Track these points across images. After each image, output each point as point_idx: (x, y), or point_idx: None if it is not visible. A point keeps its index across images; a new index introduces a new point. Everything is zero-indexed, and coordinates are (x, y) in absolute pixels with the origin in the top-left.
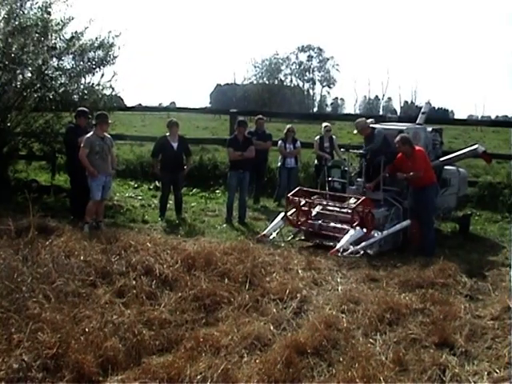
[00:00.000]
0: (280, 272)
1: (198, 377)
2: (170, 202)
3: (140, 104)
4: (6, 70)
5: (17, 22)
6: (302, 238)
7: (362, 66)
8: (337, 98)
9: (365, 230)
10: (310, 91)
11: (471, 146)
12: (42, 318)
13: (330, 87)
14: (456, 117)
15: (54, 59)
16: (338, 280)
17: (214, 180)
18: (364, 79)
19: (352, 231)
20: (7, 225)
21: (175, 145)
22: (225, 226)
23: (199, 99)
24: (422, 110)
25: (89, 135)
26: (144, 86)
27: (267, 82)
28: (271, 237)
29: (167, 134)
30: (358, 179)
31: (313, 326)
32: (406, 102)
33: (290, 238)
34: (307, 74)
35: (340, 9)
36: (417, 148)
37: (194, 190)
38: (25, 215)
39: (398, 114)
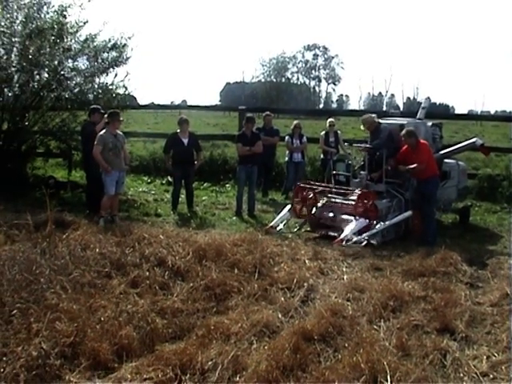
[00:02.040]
0: (288, 262)
1: (209, 363)
2: (182, 196)
3: (152, 102)
4: (24, 71)
5: (34, 25)
6: (308, 229)
7: (366, 64)
8: (342, 94)
9: (368, 220)
10: (316, 88)
11: (470, 139)
12: (59, 308)
13: (335, 84)
14: (456, 112)
15: (70, 60)
16: (344, 269)
17: (224, 174)
18: (368, 76)
19: (355, 221)
20: (26, 219)
21: (186, 141)
22: (234, 218)
23: (209, 97)
24: (422, 105)
25: (102, 133)
26: (156, 85)
27: (275, 80)
28: (278, 228)
29: (178, 130)
30: (362, 172)
31: (319, 314)
32: (409, 98)
33: (296, 229)
34: (313, 71)
35: (344, 8)
36: (421, 141)
37: (205, 184)
38: (43, 210)
39: (401, 109)
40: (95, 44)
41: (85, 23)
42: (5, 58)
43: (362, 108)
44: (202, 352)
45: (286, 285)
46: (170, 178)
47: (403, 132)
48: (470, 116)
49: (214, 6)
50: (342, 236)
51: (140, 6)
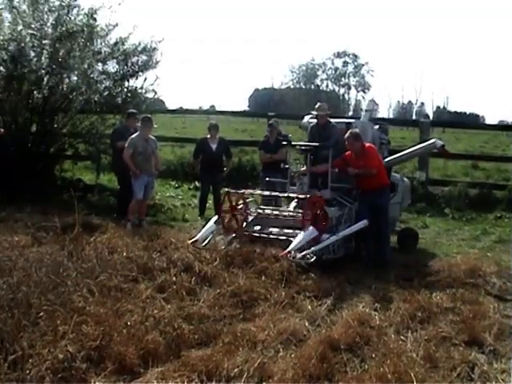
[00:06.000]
0: (315, 271)
1: (235, 370)
2: (210, 201)
3: (181, 107)
4: (54, 73)
5: (64, 28)
6: (238, 246)
7: (396, 72)
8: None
9: (317, 230)
10: (346, 96)
11: (428, 140)
12: (86, 311)
13: (364, 92)
14: (487, 122)
15: (99, 63)
16: (371, 279)
17: (252, 181)
18: (398, 84)
19: (303, 232)
20: (53, 222)
21: (214, 146)
22: None
23: (238, 103)
24: (365, 108)
25: (133, 136)
26: (185, 89)
27: (304, 87)
28: (204, 243)
29: (208, 136)
30: (302, 176)
31: (346, 323)
32: (439, 107)
33: (223, 247)
34: (343, 79)
35: (374, 16)
36: (367, 144)
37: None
38: (70, 213)
39: (431, 118)
40: (125, 47)
41: (115, 26)
42: (35, 60)
43: (392, 116)
44: (228, 359)
45: (313, 293)
46: (197, 183)
47: (347, 135)
48: (499, 126)
49: (244, 12)
50: (290, 248)
51: (170, 11)
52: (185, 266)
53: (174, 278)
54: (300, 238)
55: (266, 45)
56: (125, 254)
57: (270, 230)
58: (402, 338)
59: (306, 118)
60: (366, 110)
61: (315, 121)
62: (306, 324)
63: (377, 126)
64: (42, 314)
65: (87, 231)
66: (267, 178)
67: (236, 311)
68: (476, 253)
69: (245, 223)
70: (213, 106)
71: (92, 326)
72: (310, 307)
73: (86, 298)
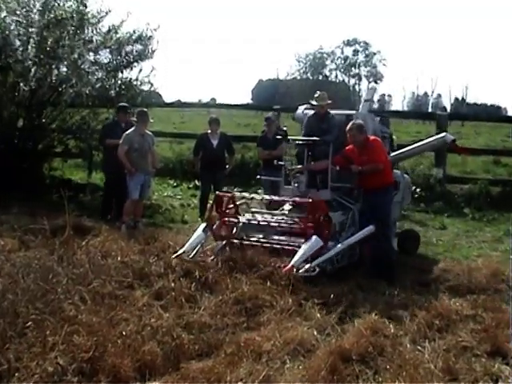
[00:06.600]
0: (324, 276)
1: (239, 383)
2: (211, 201)
3: (179, 100)
4: (41, 64)
5: (52, 15)
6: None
7: (411, 61)
8: (384, 94)
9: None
10: (356, 87)
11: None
12: (77, 320)
13: (376, 83)
14: (510, 114)
15: (91, 53)
16: (385, 285)
17: (255, 179)
18: (412, 75)
19: (306, 243)
20: (42, 224)
21: (215, 142)
22: None
23: (240, 95)
24: (365, 98)
25: (128, 132)
26: (183, 81)
27: (311, 78)
28: (191, 255)
29: (208, 131)
30: (298, 174)
31: (358, 332)
32: (457, 98)
33: (211, 258)
34: (353, 69)
35: (387, 2)
36: (371, 137)
37: (236, 189)
38: (60, 214)
39: (449, 111)
40: (118, 36)
41: (107, 13)
42: (21, 49)
43: (406, 109)
44: (230, 371)
45: (322, 300)
46: (197, 182)
47: (350, 126)
48: None
49: (244, 12)
50: (293, 262)
51: (170, 10)
52: (184, 271)
53: (173, 284)
54: (303, 250)
55: (266, 45)
56: (119, 259)
57: (266, 236)
58: (419, 348)
59: (301, 109)
60: (365, 100)
61: (311, 112)
62: (315, 333)
63: (378, 118)
64: (29, 323)
65: (78, 234)
66: (258, 176)
67: (239, 319)
68: (498, 256)
69: (234, 229)
70: (213, 99)
71: (84, 336)
72: (318, 315)
73: (78, 306)
